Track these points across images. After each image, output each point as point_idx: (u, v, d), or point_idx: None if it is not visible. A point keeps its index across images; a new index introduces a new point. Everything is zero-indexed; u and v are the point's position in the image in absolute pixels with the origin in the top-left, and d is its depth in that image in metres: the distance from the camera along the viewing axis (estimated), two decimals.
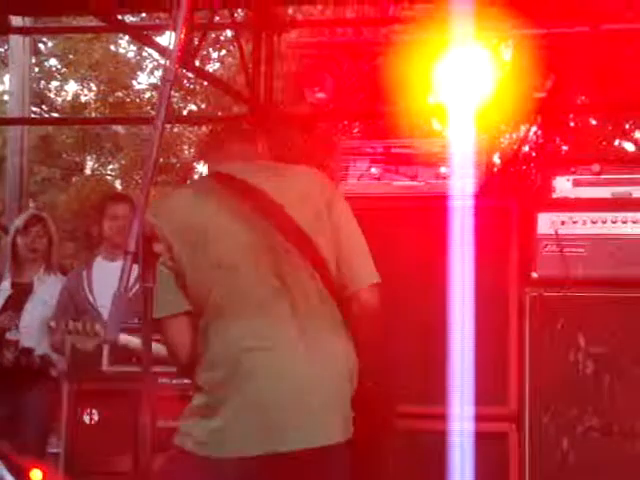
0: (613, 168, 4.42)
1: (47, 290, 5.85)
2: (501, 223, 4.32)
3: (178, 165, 18.19)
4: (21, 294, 5.90)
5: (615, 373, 4.15)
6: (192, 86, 16.84)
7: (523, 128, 13.91)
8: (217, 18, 8.70)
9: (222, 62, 16.47)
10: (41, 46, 17.81)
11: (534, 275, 4.31)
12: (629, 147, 15.36)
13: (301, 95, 7.82)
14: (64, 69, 18.57)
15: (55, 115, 18.88)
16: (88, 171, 19.47)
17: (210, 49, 16.08)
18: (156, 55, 16.30)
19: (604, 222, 4.30)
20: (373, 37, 8.83)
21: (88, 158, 19.29)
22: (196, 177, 16.70)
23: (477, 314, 3.92)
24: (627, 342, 4.17)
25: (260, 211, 2.99)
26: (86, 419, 4.67)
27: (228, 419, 2.87)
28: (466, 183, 4.28)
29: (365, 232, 3.18)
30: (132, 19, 12.60)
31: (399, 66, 7.23)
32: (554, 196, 4.41)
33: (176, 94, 16.19)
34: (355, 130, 13.27)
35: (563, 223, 4.32)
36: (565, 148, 14.16)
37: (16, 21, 9.19)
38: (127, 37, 15.70)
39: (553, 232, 4.31)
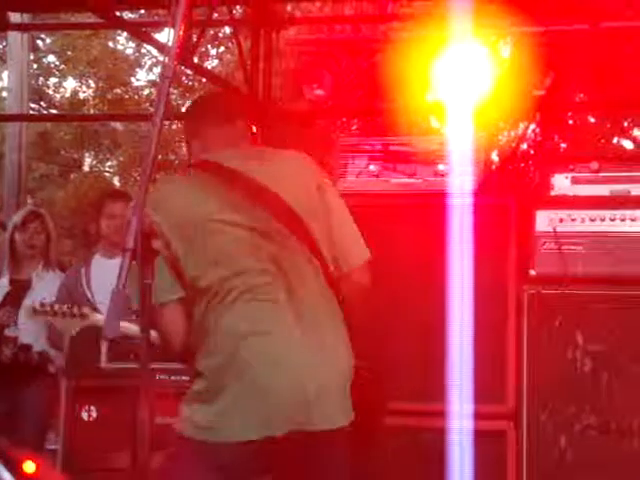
0: (612, 166, 4.42)
1: (45, 287, 5.84)
2: (499, 220, 4.32)
3: (177, 162, 18.19)
4: (19, 290, 5.89)
5: (613, 371, 4.16)
6: (190, 83, 16.83)
7: (522, 126, 13.90)
8: (215, 15, 8.68)
9: (220, 59, 16.47)
10: (39, 43, 17.80)
11: (532, 273, 4.31)
12: (628, 145, 15.37)
13: (299, 92, 7.81)
14: (62, 66, 18.56)
15: (53, 112, 18.87)
16: (86, 168, 19.47)
17: (209, 46, 16.08)
18: (155, 52, 16.30)
19: (602, 220, 4.30)
20: (371, 34, 8.83)
21: (86, 155, 19.29)
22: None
23: (475, 311, 3.92)
24: (625, 340, 4.17)
25: (254, 199, 2.99)
26: (84, 416, 4.67)
27: (227, 404, 2.88)
28: (464, 180, 4.28)
29: (363, 229, 3.19)
30: (130, 16, 12.58)
31: (397, 63, 7.22)
32: (552, 194, 4.41)
33: (175, 91, 16.19)
34: (353, 127, 13.26)
35: (561, 221, 4.32)
36: (564, 146, 14.16)
37: (14, 17, 9.18)
38: (125, 34, 15.70)
39: (551, 230, 4.32)
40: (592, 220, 4.30)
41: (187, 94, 17.13)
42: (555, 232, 4.31)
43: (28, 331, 5.74)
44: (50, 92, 19.10)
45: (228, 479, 2.91)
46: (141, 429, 2.36)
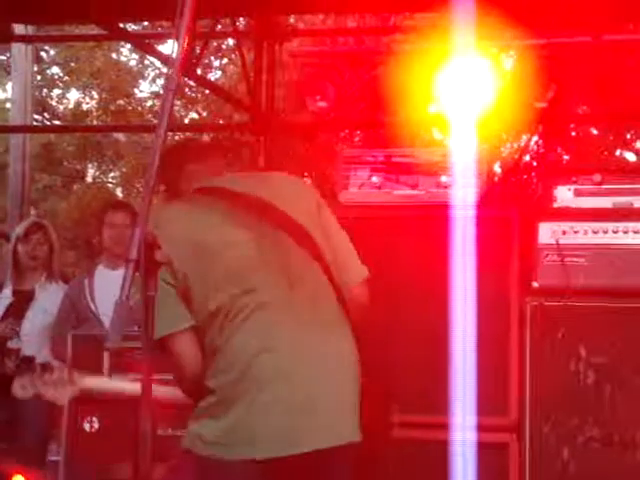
0: (614, 178, 4.42)
1: (48, 298, 5.85)
2: (502, 232, 4.32)
3: None
4: (22, 302, 5.89)
5: (616, 383, 4.15)
6: (194, 94, 16.85)
7: (524, 137, 13.92)
8: (219, 27, 8.72)
9: (224, 71, 16.49)
10: (43, 54, 17.83)
11: (535, 285, 4.31)
12: (630, 157, 15.38)
13: (302, 104, 7.82)
14: (66, 77, 18.60)
15: (57, 123, 18.90)
16: (89, 179, 19.48)
17: (212, 57, 16.10)
18: (158, 63, 16.33)
19: (605, 232, 4.29)
20: (374, 46, 8.84)
21: (89, 166, 19.31)
22: None
23: (478, 323, 3.92)
24: (628, 352, 4.16)
25: (259, 214, 3.00)
26: (86, 427, 4.66)
27: (237, 422, 2.87)
28: (467, 192, 4.28)
29: (366, 241, 3.20)
30: (134, 27, 12.62)
31: (400, 75, 7.24)
32: (555, 206, 4.41)
33: (178, 102, 16.21)
34: (356, 139, 13.29)
35: (564, 233, 4.32)
36: (566, 158, 14.17)
37: (18, 29, 9.21)
38: (129, 45, 15.72)
39: (554, 242, 4.31)
40: (595, 232, 4.30)
41: (190, 106, 17.16)
42: (558, 244, 4.30)
43: (31, 343, 5.74)
44: (53, 103, 19.14)
45: None
46: (143, 440, 2.36)
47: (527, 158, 13.95)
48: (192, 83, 14.66)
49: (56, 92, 19.14)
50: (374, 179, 4.58)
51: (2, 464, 4.89)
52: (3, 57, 17.42)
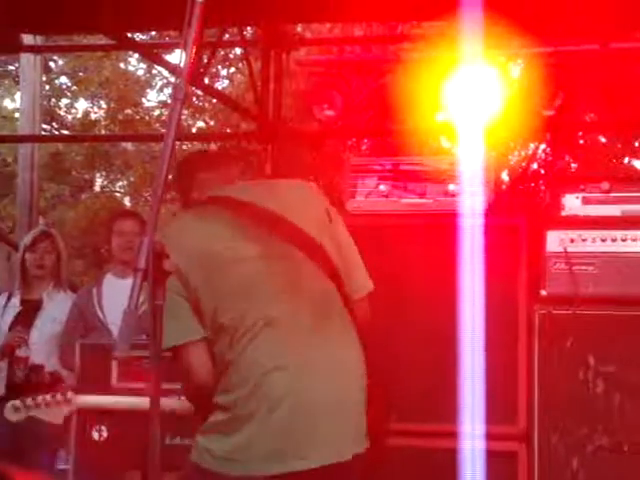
0: (623, 186, 4.42)
1: (56, 307, 5.86)
2: (510, 241, 4.31)
3: None
4: (30, 311, 5.90)
5: (625, 392, 4.14)
6: (201, 103, 16.87)
7: (532, 146, 13.91)
8: (226, 36, 8.73)
9: (231, 80, 16.51)
10: (52, 64, 17.88)
11: (543, 293, 4.30)
12: (639, 165, 15.35)
13: (310, 113, 7.82)
14: (74, 87, 18.64)
15: (65, 132, 18.94)
16: (97, 188, 19.51)
17: (219, 66, 16.12)
18: (165, 73, 16.36)
19: (613, 240, 4.29)
20: (381, 55, 8.84)
21: (97, 175, 19.34)
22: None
23: (486, 332, 3.91)
24: (637, 360, 4.15)
25: (269, 227, 3.00)
26: (95, 436, 4.66)
27: (249, 437, 2.87)
28: (475, 201, 4.27)
29: (373, 249, 3.20)
30: (142, 37, 12.65)
31: (408, 84, 7.23)
32: (563, 214, 4.40)
33: (185, 111, 16.23)
34: (364, 147, 13.29)
35: (572, 241, 4.31)
36: (574, 166, 14.15)
37: (27, 39, 9.24)
38: (137, 55, 15.76)
39: (562, 250, 4.31)
40: (603, 240, 4.29)
41: (197, 115, 17.18)
42: (566, 252, 4.30)
43: (39, 351, 5.75)
44: (62, 113, 19.17)
45: None
46: (151, 449, 2.36)
47: (535, 166, 13.94)
48: (199, 92, 14.68)
49: (64, 102, 19.19)
50: (382, 187, 4.58)
51: (7, 470, 4.89)
52: (12, 67, 17.48)
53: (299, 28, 11.63)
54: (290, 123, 10.78)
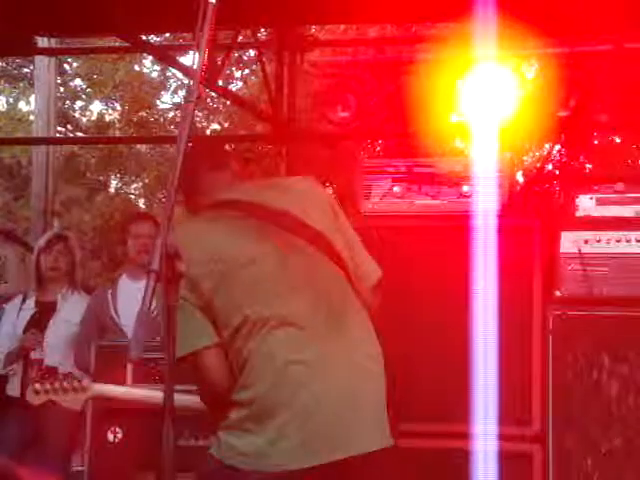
0: (637, 187, 4.40)
1: (71, 309, 5.87)
2: (524, 242, 4.31)
3: None
4: (45, 313, 5.92)
5: (639, 392, 4.13)
6: (215, 105, 16.89)
7: (547, 146, 13.88)
8: (240, 38, 8.74)
9: (245, 81, 16.52)
10: (66, 66, 17.93)
11: (557, 294, 4.29)
12: None
13: (324, 114, 7.82)
14: (89, 89, 18.68)
15: (80, 135, 18.98)
16: (112, 190, 19.55)
17: (233, 68, 16.14)
18: (180, 75, 16.38)
19: (628, 241, 4.28)
20: (396, 56, 8.83)
21: (112, 177, 19.38)
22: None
23: (501, 333, 3.91)
24: None
25: (278, 225, 3.00)
26: (110, 437, 4.67)
27: (274, 433, 2.87)
28: (489, 202, 4.27)
29: (387, 250, 3.20)
30: (156, 39, 12.67)
31: (422, 85, 7.23)
32: (577, 215, 4.40)
33: (199, 113, 16.24)
34: (378, 149, 13.28)
35: (586, 242, 4.31)
36: (589, 167, 14.11)
37: (42, 42, 9.27)
38: (151, 57, 15.78)
39: (576, 251, 4.30)
40: (617, 241, 4.28)
41: (212, 117, 17.20)
42: (580, 253, 4.29)
43: (54, 353, 5.76)
44: (76, 115, 19.22)
45: None
46: (165, 450, 2.36)
47: (550, 167, 13.90)
48: (214, 94, 14.69)
49: (79, 104, 19.24)
50: (396, 189, 4.58)
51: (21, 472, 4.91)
52: (27, 70, 17.54)
53: (313, 30, 11.62)
54: (304, 124, 10.78)
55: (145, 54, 14.81)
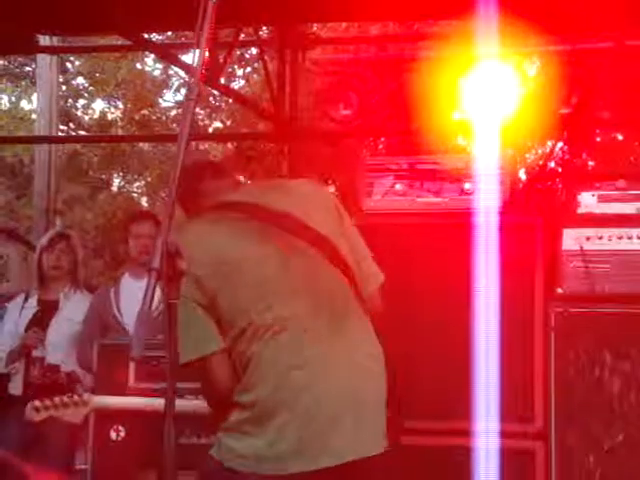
0: (639, 184, 4.40)
1: (73, 307, 5.87)
2: (526, 239, 4.31)
3: None
4: (47, 311, 5.92)
5: None
6: (217, 103, 16.89)
7: (549, 143, 13.86)
8: (242, 36, 8.74)
9: (247, 79, 16.52)
10: (68, 65, 17.93)
11: (559, 291, 4.29)
12: None
13: (326, 112, 7.83)
14: (91, 87, 18.68)
15: (82, 133, 18.99)
16: (115, 189, 19.56)
17: (235, 66, 16.13)
18: (182, 73, 16.37)
19: (630, 238, 4.27)
20: (397, 54, 8.83)
21: (115, 176, 19.39)
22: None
23: (503, 330, 3.91)
24: None
25: (282, 228, 3.00)
26: (113, 435, 4.67)
27: (274, 434, 2.88)
28: (491, 199, 4.27)
29: (389, 248, 3.20)
30: (158, 37, 12.67)
31: (424, 82, 7.24)
32: (579, 212, 4.39)
33: (201, 111, 16.25)
34: (380, 146, 13.28)
35: (588, 239, 4.30)
36: (592, 164, 14.10)
37: (44, 40, 9.28)
38: (153, 55, 15.79)
39: (578, 248, 4.30)
40: (619, 238, 4.28)
41: (214, 115, 17.20)
42: (582, 250, 4.29)
43: (56, 352, 5.77)
44: (79, 114, 19.23)
45: None
46: (166, 449, 2.37)
47: (552, 164, 13.89)
48: (216, 92, 14.70)
49: (81, 102, 19.25)
50: (398, 186, 4.58)
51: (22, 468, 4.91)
52: (29, 68, 17.55)
53: (315, 27, 11.62)
54: (307, 122, 10.78)
55: (147, 52, 14.80)
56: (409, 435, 3.10)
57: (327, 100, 7.80)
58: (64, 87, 17.10)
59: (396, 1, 6.65)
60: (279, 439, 2.87)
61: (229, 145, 16.23)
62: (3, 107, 18.79)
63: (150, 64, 18.12)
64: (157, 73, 18.43)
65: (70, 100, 18.80)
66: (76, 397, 4.09)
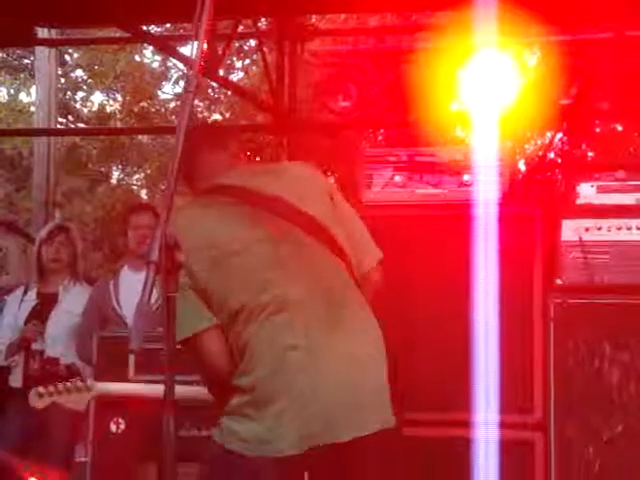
0: (638, 174, 4.40)
1: (72, 300, 5.88)
2: (525, 230, 4.31)
3: None
4: (46, 304, 5.93)
5: None
6: (216, 95, 16.88)
7: (549, 134, 13.86)
8: (241, 27, 8.73)
9: (246, 71, 16.51)
10: (67, 57, 17.91)
11: (558, 282, 4.29)
12: None
13: (324, 103, 7.82)
14: (90, 80, 18.66)
15: (81, 125, 18.98)
16: (114, 181, 19.55)
17: (234, 58, 16.12)
18: (181, 65, 16.36)
19: (629, 228, 4.27)
20: (396, 45, 8.82)
21: (114, 168, 19.38)
22: None
23: (502, 321, 3.91)
24: None
25: (273, 212, 3.01)
26: (113, 428, 4.68)
27: (272, 420, 2.88)
28: (490, 190, 4.27)
29: (388, 240, 3.19)
30: (156, 29, 12.65)
31: (422, 74, 7.23)
32: (578, 202, 4.39)
33: (200, 104, 16.23)
34: (379, 138, 13.27)
35: (587, 230, 4.30)
36: (591, 154, 14.10)
37: (42, 33, 9.26)
38: (152, 47, 15.77)
39: (577, 239, 4.30)
40: (618, 229, 4.28)
41: (213, 107, 17.19)
42: (581, 241, 4.29)
43: (55, 344, 5.77)
44: (78, 106, 19.21)
45: None
46: (165, 441, 2.37)
47: (552, 155, 13.89)
48: (214, 84, 14.68)
49: (80, 95, 19.22)
50: (397, 178, 4.58)
51: (19, 465, 4.91)
52: (27, 61, 17.52)
53: (313, 19, 11.61)
54: (305, 114, 10.77)
55: (145, 44, 14.79)
56: (409, 426, 3.10)
57: (326, 92, 7.80)
58: (63, 79, 17.07)
59: None
60: (278, 424, 2.88)
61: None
62: (2, 100, 18.77)
63: (149, 56, 18.11)
64: (156, 65, 18.42)
65: (69, 93, 18.77)
66: (79, 383, 4.10)
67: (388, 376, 3.00)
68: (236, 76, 16.29)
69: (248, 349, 2.93)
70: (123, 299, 5.54)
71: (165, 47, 8.87)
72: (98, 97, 18.90)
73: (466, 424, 3.93)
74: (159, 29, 12.95)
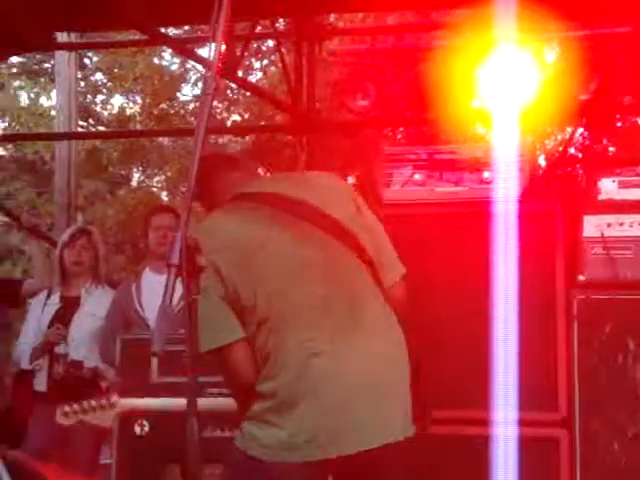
0: None
1: (95, 303, 5.89)
2: (547, 226, 4.29)
3: None
4: (69, 307, 5.95)
5: None
6: (235, 96, 16.90)
7: (569, 130, 13.80)
8: (259, 28, 8.74)
9: (264, 72, 16.52)
10: (86, 61, 17.97)
11: (581, 278, 4.28)
12: None
13: (343, 103, 7.81)
14: (109, 83, 18.72)
15: (101, 129, 19.04)
16: (135, 183, 19.60)
17: (252, 59, 16.13)
18: (199, 66, 16.38)
19: None
20: (415, 43, 8.81)
21: (134, 170, 19.43)
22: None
23: (524, 318, 3.90)
24: None
25: (306, 219, 3.01)
26: (137, 430, 4.69)
27: (295, 427, 2.88)
28: (511, 187, 4.25)
29: (408, 238, 3.19)
30: (175, 32, 12.67)
31: (441, 71, 7.21)
32: (600, 198, 4.37)
33: (219, 105, 16.25)
34: (399, 136, 13.25)
35: (609, 225, 4.28)
36: (612, 149, 14.03)
37: (62, 37, 9.30)
38: (170, 50, 15.80)
39: (599, 234, 4.28)
40: None
41: (232, 108, 17.21)
42: (603, 237, 4.27)
43: (79, 347, 5.79)
44: (98, 109, 19.27)
45: None
46: (189, 442, 2.37)
47: (572, 150, 13.83)
48: (233, 85, 14.69)
49: (100, 98, 19.29)
50: (417, 176, 4.57)
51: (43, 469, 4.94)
52: (47, 65, 17.58)
53: (331, 18, 11.61)
54: (324, 113, 10.76)
55: (164, 47, 14.82)
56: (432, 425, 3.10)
57: (344, 91, 7.79)
58: (82, 83, 17.15)
59: None
60: (300, 430, 2.88)
61: (247, 138, 16.22)
62: (22, 104, 18.82)
63: (167, 58, 18.15)
64: (175, 67, 18.46)
65: (89, 96, 18.85)
66: (103, 400, 4.12)
67: (411, 378, 3.00)
68: (254, 77, 16.32)
69: (272, 356, 2.93)
70: (145, 301, 5.56)
71: (183, 49, 8.88)
72: (118, 100, 18.96)
73: (486, 422, 3.92)
74: (177, 31, 12.97)
